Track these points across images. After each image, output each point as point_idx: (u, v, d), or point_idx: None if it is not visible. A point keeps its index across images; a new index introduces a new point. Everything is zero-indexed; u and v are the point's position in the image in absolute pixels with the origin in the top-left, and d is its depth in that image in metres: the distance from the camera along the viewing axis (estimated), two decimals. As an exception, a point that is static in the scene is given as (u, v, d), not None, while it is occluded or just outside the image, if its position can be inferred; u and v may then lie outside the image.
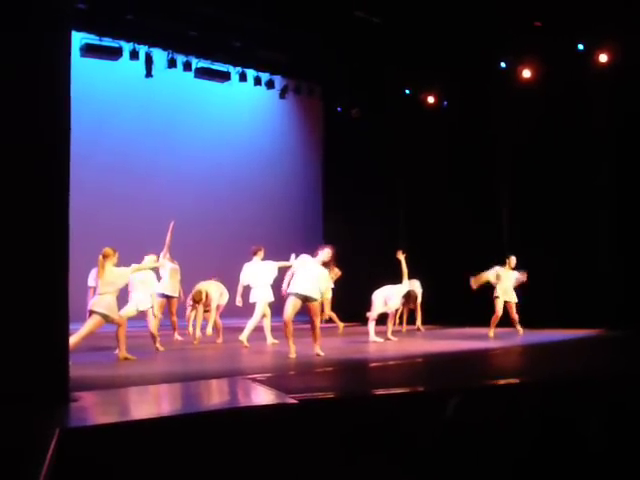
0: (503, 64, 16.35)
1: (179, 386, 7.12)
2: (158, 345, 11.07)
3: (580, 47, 14.92)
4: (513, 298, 13.46)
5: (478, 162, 16.97)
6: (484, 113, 16.78)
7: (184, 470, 4.69)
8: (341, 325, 14.92)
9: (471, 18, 14.61)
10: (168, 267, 12.90)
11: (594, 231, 14.96)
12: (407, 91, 18.48)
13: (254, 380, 7.10)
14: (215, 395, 6.67)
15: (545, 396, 6.52)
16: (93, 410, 5.80)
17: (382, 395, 6.46)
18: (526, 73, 15.96)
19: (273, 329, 12.32)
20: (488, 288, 13.48)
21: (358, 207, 18.85)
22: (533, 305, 13.93)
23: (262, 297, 11.97)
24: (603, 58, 14.68)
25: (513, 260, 13.53)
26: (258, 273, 12.11)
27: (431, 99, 18.15)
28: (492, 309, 13.34)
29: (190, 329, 13.49)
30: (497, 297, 13.35)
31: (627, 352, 10.88)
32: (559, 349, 11.70)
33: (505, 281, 13.38)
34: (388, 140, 18.55)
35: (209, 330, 12.83)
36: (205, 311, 12.95)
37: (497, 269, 13.40)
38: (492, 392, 6.87)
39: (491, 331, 13.24)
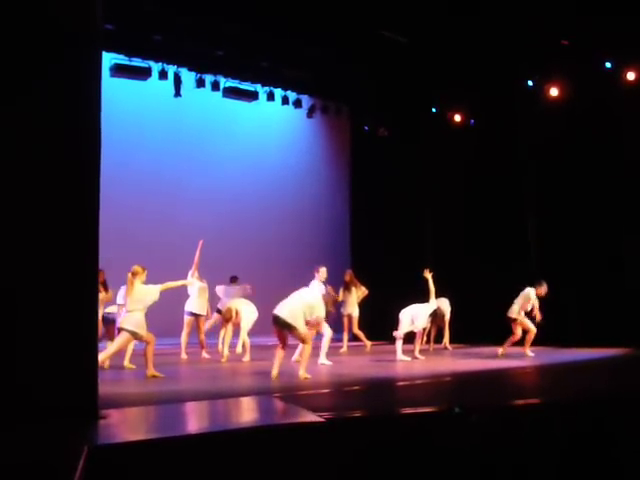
0: (530, 82, 16.31)
1: (206, 404, 7.14)
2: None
3: (608, 65, 14.88)
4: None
5: (505, 180, 16.91)
6: (511, 132, 16.74)
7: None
8: (368, 343, 14.86)
9: (498, 36, 14.61)
10: (197, 285, 13.01)
11: (621, 248, 14.83)
12: (434, 109, 18.50)
13: (281, 398, 7.11)
14: (242, 413, 6.67)
15: (573, 415, 6.48)
16: (121, 427, 5.83)
17: (409, 414, 6.44)
18: (553, 92, 15.92)
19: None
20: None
21: (385, 225, 18.83)
22: (561, 323, 13.84)
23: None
24: (631, 76, 14.62)
25: (544, 288, 13.04)
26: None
27: (458, 117, 18.15)
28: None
29: (220, 347, 13.52)
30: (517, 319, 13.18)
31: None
32: (588, 368, 11.60)
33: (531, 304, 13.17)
34: (415, 158, 18.56)
35: (239, 348, 12.89)
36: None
37: (530, 293, 13.17)
38: (519, 411, 6.82)
39: (527, 349, 13.13)
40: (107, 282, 11.84)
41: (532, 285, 13.07)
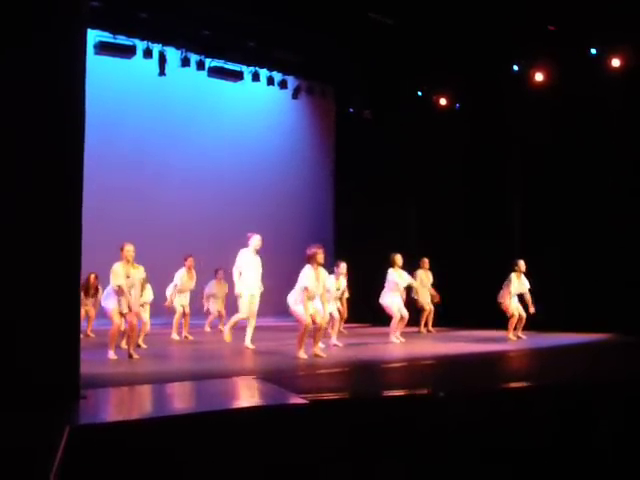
0: (515, 67, 16.29)
1: (189, 384, 7.13)
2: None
3: (593, 51, 14.88)
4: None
5: (490, 164, 16.92)
6: (496, 116, 16.73)
7: (192, 469, 4.69)
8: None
9: (484, 21, 14.58)
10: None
11: (607, 234, 14.88)
12: (419, 93, 18.44)
13: (265, 379, 7.10)
14: (226, 394, 6.66)
15: (556, 399, 6.51)
16: (103, 408, 5.81)
17: (393, 397, 6.46)
18: (538, 76, 15.90)
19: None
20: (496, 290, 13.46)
21: (369, 207, 18.80)
22: (545, 308, 13.88)
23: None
24: (616, 62, 14.62)
25: (522, 264, 13.36)
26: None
27: (443, 101, 18.10)
28: (503, 312, 13.34)
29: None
30: (501, 302, 13.36)
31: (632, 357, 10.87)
32: (571, 352, 11.67)
33: (517, 286, 13.31)
34: (400, 141, 18.49)
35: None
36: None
37: (511, 276, 13.32)
38: (502, 395, 6.85)
39: (510, 334, 13.22)
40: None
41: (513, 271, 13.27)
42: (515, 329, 13.29)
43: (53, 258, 5.53)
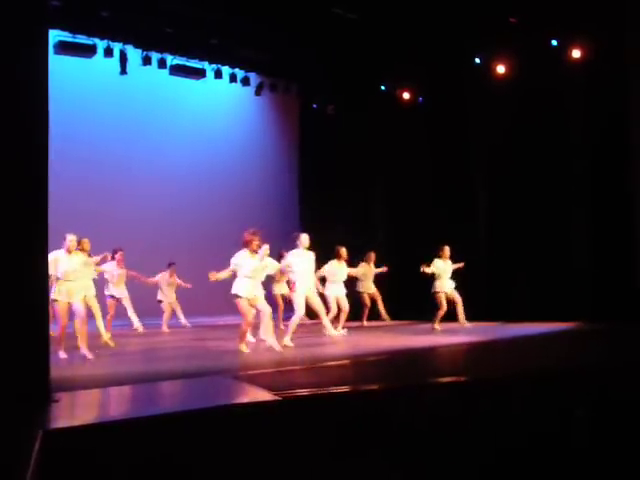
0: (478, 60, 16.39)
1: (161, 385, 7.10)
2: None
3: (554, 43, 15.02)
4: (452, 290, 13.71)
5: (454, 157, 17.00)
6: (459, 108, 16.82)
7: (165, 469, 4.68)
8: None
9: (446, 14, 14.66)
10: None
11: (569, 226, 15.05)
12: (383, 87, 18.48)
13: (235, 377, 7.09)
14: (197, 393, 6.64)
15: (523, 391, 6.57)
16: (75, 410, 5.77)
17: (363, 391, 6.49)
18: (500, 69, 16.02)
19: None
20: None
21: (334, 202, 18.80)
22: (511, 299, 14.02)
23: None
24: (576, 54, 14.78)
25: (447, 250, 13.74)
26: None
27: (407, 95, 18.17)
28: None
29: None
30: (438, 292, 13.58)
31: (601, 345, 10.99)
32: (535, 342, 11.78)
33: (443, 274, 13.64)
34: (364, 136, 18.51)
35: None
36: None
37: (435, 262, 13.57)
38: (466, 386, 6.90)
39: (437, 324, 13.48)
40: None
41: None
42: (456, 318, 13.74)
43: (20, 259, 5.47)
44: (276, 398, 5.63)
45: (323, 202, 19.03)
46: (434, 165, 17.31)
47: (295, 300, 11.09)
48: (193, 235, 17.51)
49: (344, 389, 6.54)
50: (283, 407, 5.54)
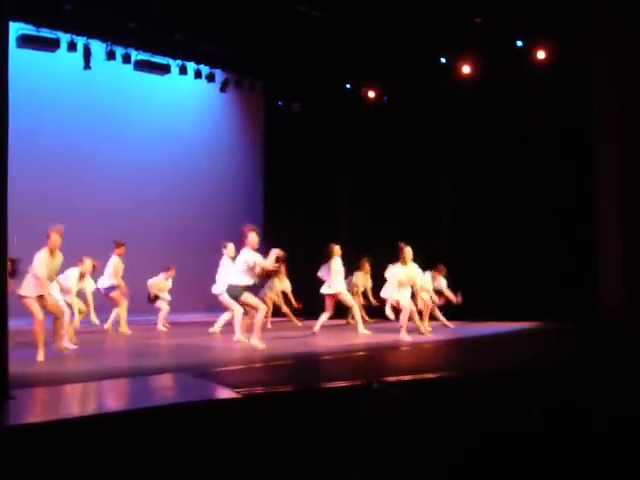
0: (443, 59, 16.47)
1: (120, 382, 7.04)
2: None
3: (519, 43, 15.13)
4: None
5: (419, 156, 17.05)
6: (424, 108, 16.88)
7: (125, 467, 4.64)
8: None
9: (412, 13, 14.70)
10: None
11: (532, 227, 15.19)
12: (348, 86, 18.50)
13: (197, 375, 7.06)
14: (158, 391, 6.61)
15: (485, 388, 6.61)
16: (33, 408, 5.71)
17: (327, 388, 6.49)
18: (465, 69, 16.11)
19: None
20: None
21: (299, 200, 18.79)
22: (474, 299, 14.09)
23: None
24: (541, 54, 14.90)
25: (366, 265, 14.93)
26: None
27: (372, 94, 18.20)
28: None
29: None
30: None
31: (564, 343, 11.11)
32: (498, 341, 11.88)
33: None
34: (329, 134, 18.52)
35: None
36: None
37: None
38: (431, 386, 6.93)
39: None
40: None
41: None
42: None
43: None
44: (237, 395, 5.61)
45: (288, 199, 19.01)
46: (399, 164, 17.32)
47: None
48: (155, 230, 17.39)
49: (308, 387, 6.55)
50: (244, 405, 5.52)
